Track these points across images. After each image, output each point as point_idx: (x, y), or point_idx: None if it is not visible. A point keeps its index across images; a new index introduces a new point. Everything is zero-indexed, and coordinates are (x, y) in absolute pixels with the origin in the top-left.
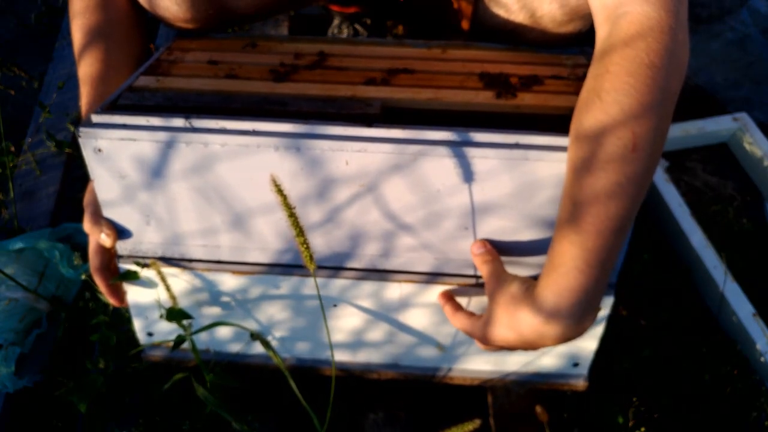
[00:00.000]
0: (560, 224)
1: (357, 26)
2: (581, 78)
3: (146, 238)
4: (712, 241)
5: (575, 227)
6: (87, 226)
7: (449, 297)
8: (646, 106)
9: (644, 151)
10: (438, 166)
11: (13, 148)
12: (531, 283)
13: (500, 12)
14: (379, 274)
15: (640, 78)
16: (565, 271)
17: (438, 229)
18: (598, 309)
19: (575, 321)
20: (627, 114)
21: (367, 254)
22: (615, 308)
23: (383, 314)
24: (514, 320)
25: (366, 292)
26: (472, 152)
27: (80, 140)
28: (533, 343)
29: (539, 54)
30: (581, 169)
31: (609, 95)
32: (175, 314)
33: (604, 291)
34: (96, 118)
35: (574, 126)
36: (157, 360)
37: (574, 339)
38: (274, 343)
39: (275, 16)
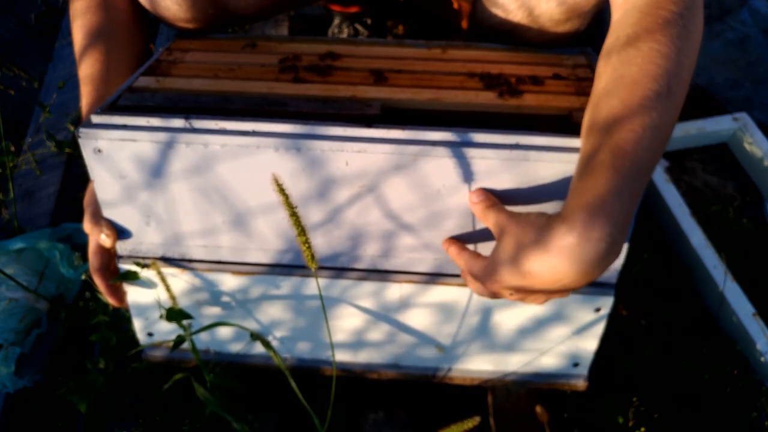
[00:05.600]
0: (585, 153)
1: (357, 26)
2: (581, 78)
3: (146, 239)
4: (712, 241)
5: (605, 149)
6: (87, 226)
7: (453, 240)
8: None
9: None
10: (438, 167)
11: (13, 148)
12: (550, 214)
13: (498, 12)
14: (379, 274)
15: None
16: (597, 193)
17: (438, 230)
18: (621, 247)
19: (605, 247)
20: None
21: (368, 255)
22: (615, 308)
23: (384, 314)
24: (530, 248)
25: (366, 292)
26: (472, 153)
27: (80, 141)
28: (544, 277)
29: (539, 54)
30: (610, 92)
31: (645, 43)
32: (175, 314)
33: (630, 222)
34: (96, 119)
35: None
36: (157, 360)
37: (592, 278)
38: (274, 343)
39: (275, 16)
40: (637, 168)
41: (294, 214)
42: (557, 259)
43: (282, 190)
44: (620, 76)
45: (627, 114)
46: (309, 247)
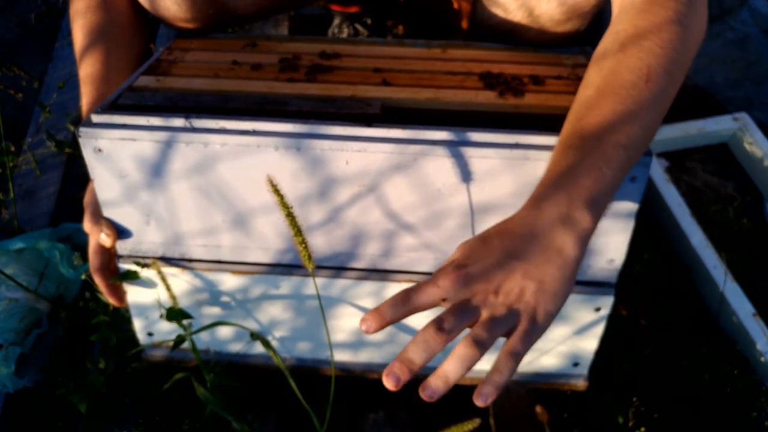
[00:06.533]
0: (558, 152)
1: (357, 26)
2: (581, 78)
3: (146, 238)
4: (712, 241)
5: (578, 146)
6: (87, 226)
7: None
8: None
9: (657, 84)
10: (438, 166)
11: (13, 148)
12: (530, 214)
13: (498, 11)
14: (379, 274)
15: (664, 30)
16: (591, 190)
17: (439, 229)
18: (600, 211)
19: (588, 239)
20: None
21: (368, 254)
22: (615, 308)
23: None
24: (519, 242)
25: (367, 291)
26: (472, 152)
27: (80, 140)
28: (531, 262)
29: (539, 54)
30: (599, 90)
31: (632, 42)
32: (175, 314)
33: (605, 207)
34: (96, 118)
35: (592, 64)
36: (158, 360)
37: (572, 279)
38: (274, 343)
39: (275, 16)
40: (620, 167)
41: (290, 215)
42: (552, 252)
43: (277, 191)
44: (609, 72)
45: (616, 114)
46: (306, 248)
